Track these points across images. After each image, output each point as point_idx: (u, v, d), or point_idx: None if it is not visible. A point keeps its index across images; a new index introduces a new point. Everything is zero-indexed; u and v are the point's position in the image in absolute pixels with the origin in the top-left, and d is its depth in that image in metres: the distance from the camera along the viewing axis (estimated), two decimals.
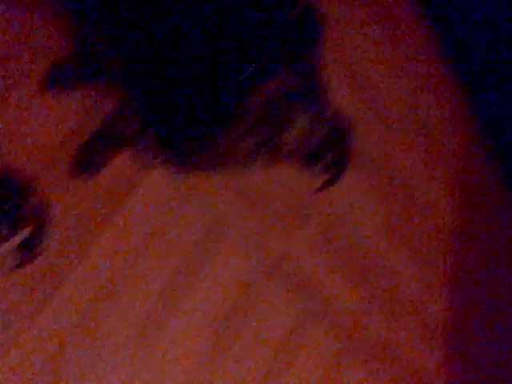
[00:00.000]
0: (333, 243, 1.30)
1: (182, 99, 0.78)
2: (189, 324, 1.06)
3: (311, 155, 0.81)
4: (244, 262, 1.14)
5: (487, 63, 1.61)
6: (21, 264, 0.88)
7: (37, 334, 0.91)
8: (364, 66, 1.43)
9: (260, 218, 1.17)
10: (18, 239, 0.85)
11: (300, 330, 1.20)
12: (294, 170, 0.86)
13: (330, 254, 1.29)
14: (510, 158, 1.75)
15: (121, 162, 1.00)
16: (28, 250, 0.88)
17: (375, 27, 1.48)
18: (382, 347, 1.36)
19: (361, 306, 1.34)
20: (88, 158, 0.94)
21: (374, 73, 1.45)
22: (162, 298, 1.04)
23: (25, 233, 0.86)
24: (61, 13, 0.93)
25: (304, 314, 1.21)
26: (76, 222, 0.96)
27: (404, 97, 1.52)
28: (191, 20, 0.76)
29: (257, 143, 0.77)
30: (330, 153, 0.82)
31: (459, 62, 1.63)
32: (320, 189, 0.87)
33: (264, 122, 0.75)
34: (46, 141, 0.94)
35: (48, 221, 0.91)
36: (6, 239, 0.84)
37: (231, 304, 1.11)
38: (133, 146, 0.93)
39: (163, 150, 0.84)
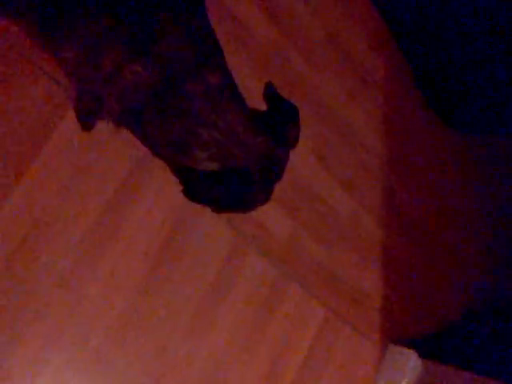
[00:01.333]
0: None
1: None
2: (125, 255, 1.08)
3: None
4: (175, 191, 1.14)
5: None
6: None
7: None
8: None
9: None
10: None
11: (235, 257, 1.24)
12: None
13: None
14: (429, 81, 1.81)
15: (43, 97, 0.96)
16: None
17: None
18: (319, 268, 1.43)
19: (295, 232, 1.39)
20: None
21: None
22: (96, 231, 1.04)
23: None
24: None
25: (238, 240, 1.24)
26: None
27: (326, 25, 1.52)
28: None
29: None
30: None
31: None
32: None
33: None
34: None
35: None
36: None
37: (166, 234, 1.13)
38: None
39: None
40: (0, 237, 0.94)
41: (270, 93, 0.88)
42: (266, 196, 0.87)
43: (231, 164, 0.79)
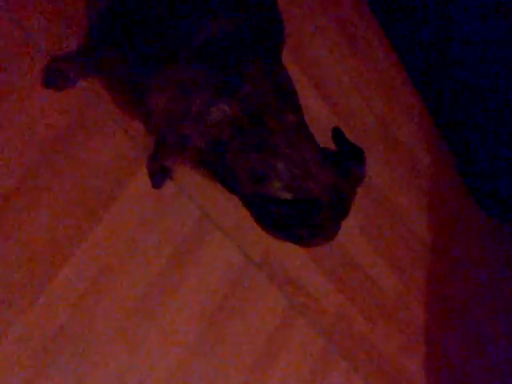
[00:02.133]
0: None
1: None
2: (182, 312, 1.08)
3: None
4: (232, 256, 1.17)
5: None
6: None
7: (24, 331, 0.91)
8: (333, 79, 1.54)
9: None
10: None
11: (286, 325, 1.23)
12: None
13: (312, 255, 1.34)
14: (474, 174, 1.86)
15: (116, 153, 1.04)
16: None
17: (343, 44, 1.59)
18: (364, 345, 1.39)
19: (342, 308, 1.37)
20: (55, 74, 0.99)
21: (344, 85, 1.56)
22: (153, 289, 1.06)
23: None
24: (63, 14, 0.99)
25: (289, 309, 1.24)
26: (69, 212, 0.98)
27: (377, 113, 1.63)
28: None
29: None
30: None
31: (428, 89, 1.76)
32: None
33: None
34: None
35: None
36: None
37: (222, 295, 1.14)
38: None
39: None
40: (73, 279, 0.96)
41: (338, 135, 0.95)
42: (334, 231, 0.89)
43: (303, 195, 0.85)
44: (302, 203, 0.84)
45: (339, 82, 1.48)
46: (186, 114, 0.85)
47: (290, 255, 1.27)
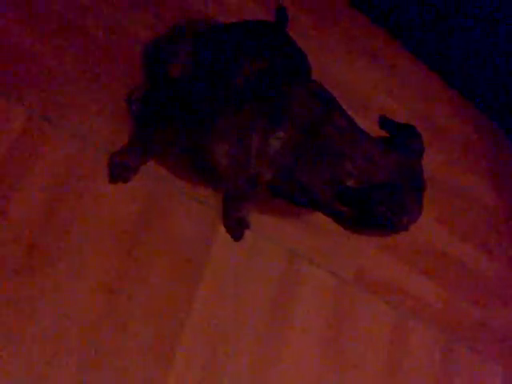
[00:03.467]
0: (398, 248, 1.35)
1: None
2: (300, 353, 1.11)
3: None
4: (328, 281, 1.18)
5: None
6: None
7: None
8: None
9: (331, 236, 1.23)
10: None
11: (401, 332, 1.22)
12: None
13: (404, 258, 1.34)
14: None
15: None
16: None
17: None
18: (484, 329, 1.36)
19: (449, 301, 1.35)
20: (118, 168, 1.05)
21: None
22: (267, 335, 1.09)
23: None
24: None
25: (399, 316, 1.23)
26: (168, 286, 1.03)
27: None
28: None
29: None
30: None
31: None
32: None
33: None
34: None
35: None
36: None
37: (331, 324, 1.15)
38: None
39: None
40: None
41: (385, 122, 1.00)
42: (418, 206, 0.92)
43: (375, 183, 0.90)
44: (376, 190, 0.88)
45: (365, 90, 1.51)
46: (249, 154, 0.90)
47: (382, 264, 1.28)
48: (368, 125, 1.02)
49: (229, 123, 0.91)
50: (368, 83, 1.50)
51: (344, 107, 0.97)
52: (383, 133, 1.12)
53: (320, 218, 1.05)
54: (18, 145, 0.97)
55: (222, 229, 1.13)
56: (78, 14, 1.11)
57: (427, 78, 1.66)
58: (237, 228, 1.14)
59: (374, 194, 0.88)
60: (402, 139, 0.98)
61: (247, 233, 1.14)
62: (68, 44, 1.08)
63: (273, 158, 0.90)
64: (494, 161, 1.72)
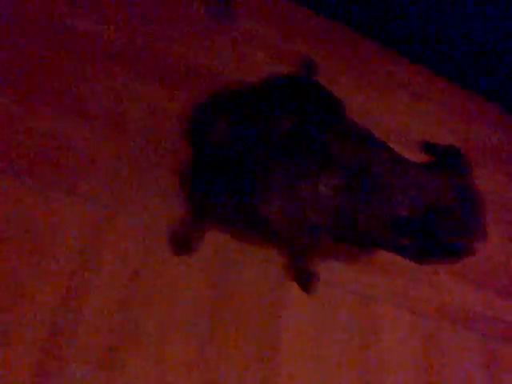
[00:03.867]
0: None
1: None
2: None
3: None
4: (409, 321, 1.17)
5: None
6: None
7: None
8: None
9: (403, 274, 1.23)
10: None
11: (494, 359, 1.17)
12: None
13: (474, 281, 1.29)
14: None
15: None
16: None
17: None
18: None
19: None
20: (181, 242, 1.11)
21: None
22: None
23: None
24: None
25: (489, 343, 1.18)
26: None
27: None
28: None
29: None
30: None
31: None
32: None
33: None
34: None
35: None
36: None
37: (421, 361, 1.12)
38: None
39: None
40: None
41: (428, 146, 1.00)
42: (477, 223, 0.91)
43: (427, 208, 0.89)
44: (431, 212, 0.88)
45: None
46: (302, 205, 0.93)
47: (462, 293, 1.24)
48: (407, 152, 1.03)
49: (275, 179, 0.95)
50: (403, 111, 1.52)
51: (383, 138, 0.99)
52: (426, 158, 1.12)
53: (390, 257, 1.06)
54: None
55: (294, 285, 1.14)
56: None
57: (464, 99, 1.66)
58: (307, 281, 1.16)
59: (430, 217, 0.87)
60: (447, 161, 0.98)
61: (317, 284, 1.16)
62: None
63: (326, 204, 0.93)
64: None
